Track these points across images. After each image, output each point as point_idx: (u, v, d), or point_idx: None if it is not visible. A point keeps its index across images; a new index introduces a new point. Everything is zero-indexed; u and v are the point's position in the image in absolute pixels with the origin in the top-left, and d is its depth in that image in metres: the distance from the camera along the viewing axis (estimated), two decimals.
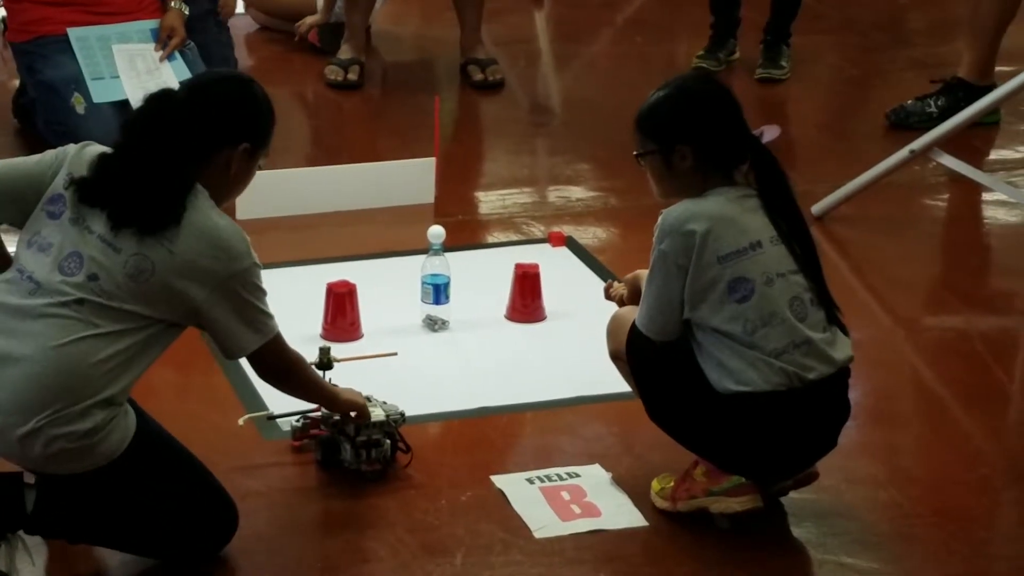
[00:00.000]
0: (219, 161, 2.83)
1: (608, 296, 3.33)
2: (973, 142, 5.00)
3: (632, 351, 3.06)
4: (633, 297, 3.15)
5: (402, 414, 3.23)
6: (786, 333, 2.93)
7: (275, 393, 3.43)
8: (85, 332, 2.72)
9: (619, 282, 3.31)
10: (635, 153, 3.07)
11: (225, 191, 2.89)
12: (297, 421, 3.29)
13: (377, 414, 3.19)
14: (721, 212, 2.94)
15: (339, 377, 3.31)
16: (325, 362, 3.32)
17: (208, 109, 2.82)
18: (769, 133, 3.08)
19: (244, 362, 3.59)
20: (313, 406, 3.24)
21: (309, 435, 3.27)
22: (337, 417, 3.18)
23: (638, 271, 3.16)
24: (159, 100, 2.84)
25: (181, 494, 2.86)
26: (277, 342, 2.88)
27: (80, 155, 2.82)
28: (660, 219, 2.98)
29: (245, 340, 2.83)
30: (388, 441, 3.20)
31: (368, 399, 3.23)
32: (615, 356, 3.14)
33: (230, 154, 2.84)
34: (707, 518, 3.08)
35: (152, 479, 2.82)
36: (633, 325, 3.04)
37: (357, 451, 3.18)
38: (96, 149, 2.84)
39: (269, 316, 2.86)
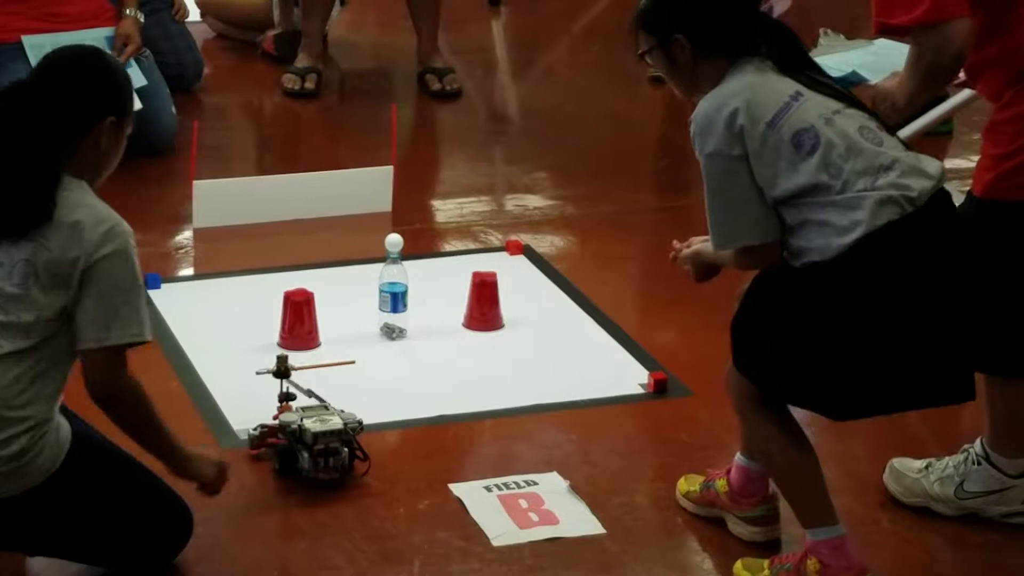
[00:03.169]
0: (87, 142, 2.74)
1: (675, 261, 3.03)
2: (926, 152, 5.03)
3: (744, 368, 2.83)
4: (700, 270, 2.95)
5: (360, 422, 3.23)
6: (870, 158, 2.72)
7: (234, 403, 3.43)
8: None
9: (685, 248, 3.00)
10: (639, 52, 2.88)
11: (99, 169, 2.79)
12: (254, 430, 3.28)
13: (335, 422, 3.18)
14: (747, 83, 2.75)
15: (298, 383, 3.32)
16: (283, 370, 3.31)
17: (65, 92, 2.72)
18: (779, 5, 2.92)
19: (207, 375, 3.60)
20: (272, 418, 3.24)
21: (266, 444, 3.27)
22: (295, 425, 3.17)
23: (696, 245, 2.94)
24: (11, 94, 2.73)
25: (129, 502, 2.84)
26: (118, 354, 2.73)
27: None
28: (692, 126, 2.78)
29: (89, 331, 2.69)
30: (346, 449, 3.20)
31: (325, 407, 3.23)
32: (741, 413, 2.91)
33: (97, 132, 2.74)
34: (667, 527, 3.09)
35: (98, 489, 2.80)
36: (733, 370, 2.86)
37: (315, 459, 3.17)
38: None
39: (130, 322, 2.70)
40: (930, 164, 2.81)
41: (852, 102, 2.80)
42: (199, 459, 2.94)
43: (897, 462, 3.22)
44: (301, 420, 3.19)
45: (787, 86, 2.76)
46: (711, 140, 2.73)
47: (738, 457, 3.06)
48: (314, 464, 3.16)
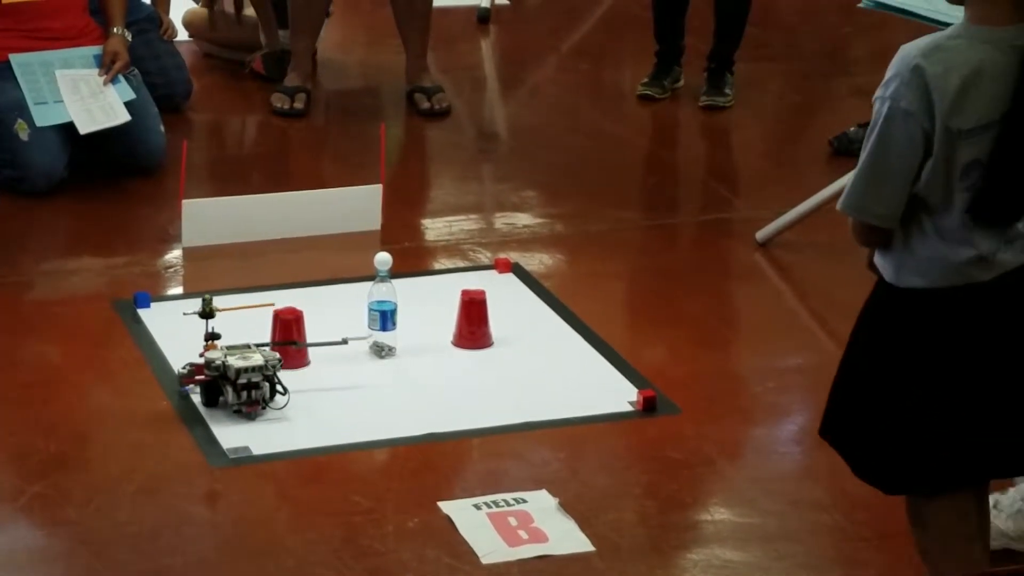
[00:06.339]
0: None
1: None
2: None
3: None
4: None
5: (279, 359, 3.49)
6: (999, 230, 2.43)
7: (223, 422, 3.43)
8: None
9: None
10: None
11: None
12: (183, 368, 3.53)
13: (256, 359, 3.45)
14: (980, 64, 2.34)
15: (223, 324, 3.56)
16: (208, 311, 3.55)
17: None
18: None
19: (196, 394, 3.59)
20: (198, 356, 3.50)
21: (194, 380, 3.50)
22: (220, 362, 3.44)
23: None
24: None
25: None
26: None
27: None
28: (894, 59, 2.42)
29: None
30: (267, 384, 3.46)
31: (248, 346, 3.50)
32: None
33: None
34: (656, 545, 3.08)
35: None
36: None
37: (238, 393, 3.44)
38: None
39: None
40: None
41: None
42: None
43: None
44: (225, 357, 3.46)
45: (1004, 95, 2.36)
46: (895, 85, 2.40)
47: None
48: (237, 397, 3.44)
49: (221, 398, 3.48)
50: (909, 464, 2.57)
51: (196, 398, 3.54)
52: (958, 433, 2.52)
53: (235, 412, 3.46)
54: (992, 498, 2.96)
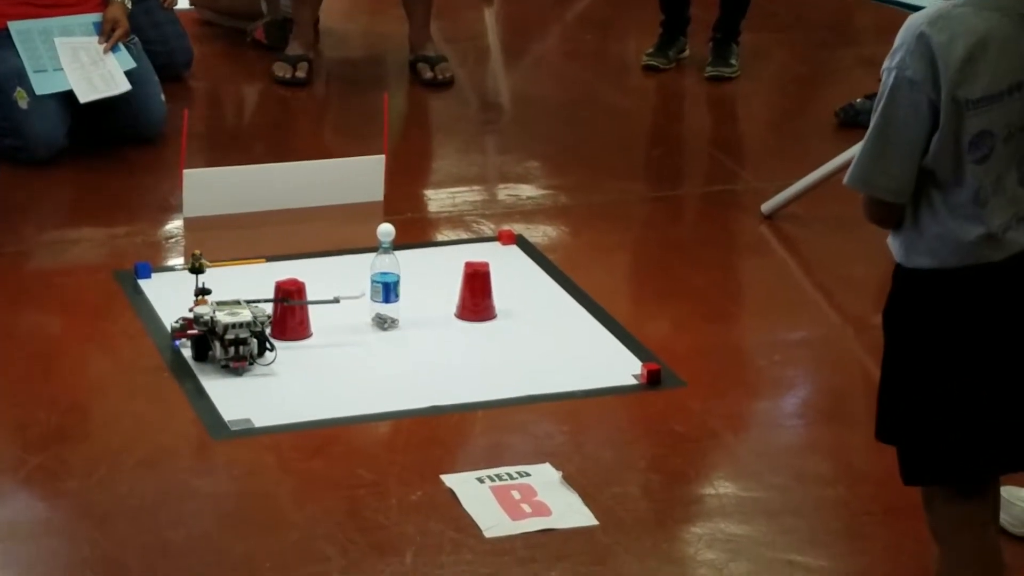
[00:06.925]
0: None
1: None
2: None
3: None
4: None
5: (269, 316, 3.55)
6: (1009, 203, 2.38)
7: (224, 394, 3.42)
8: None
9: None
10: None
11: None
12: (176, 322, 3.57)
13: (245, 315, 3.49)
14: (987, 32, 2.30)
15: (213, 281, 3.60)
16: (197, 267, 3.58)
17: None
18: None
19: (198, 366, 3.58)
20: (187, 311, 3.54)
21: (185, 334, 3.53)
22: (208, 317, 3.47)
23: None
24: None
25: None
26: None
27: None
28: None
29: None
30: (255, 340, 3.50)
31: (238, 302, 3.53)
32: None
33: None
34: (659, 518, 3.07)
35: None
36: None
37: (225, 348, 3.48)
38: None
39: None
40: None
41: None
42: None
43: (1004, 490, 2.78)
44: (214, 312, 3.50)
45: (1018, 67, 2.33)
46: (900, 54, 2.35)
47: None
48: (224, 352, 3.48)
49: (210, 352, 3.50)
50: (923, 454, 2.52)
51: (187, 352, 3.56)
52: (972, 421, 2.47)
53: (223, 367, 3.48)
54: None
